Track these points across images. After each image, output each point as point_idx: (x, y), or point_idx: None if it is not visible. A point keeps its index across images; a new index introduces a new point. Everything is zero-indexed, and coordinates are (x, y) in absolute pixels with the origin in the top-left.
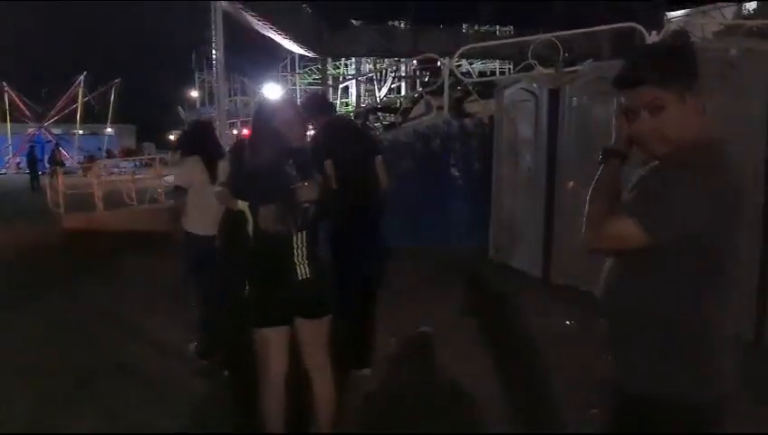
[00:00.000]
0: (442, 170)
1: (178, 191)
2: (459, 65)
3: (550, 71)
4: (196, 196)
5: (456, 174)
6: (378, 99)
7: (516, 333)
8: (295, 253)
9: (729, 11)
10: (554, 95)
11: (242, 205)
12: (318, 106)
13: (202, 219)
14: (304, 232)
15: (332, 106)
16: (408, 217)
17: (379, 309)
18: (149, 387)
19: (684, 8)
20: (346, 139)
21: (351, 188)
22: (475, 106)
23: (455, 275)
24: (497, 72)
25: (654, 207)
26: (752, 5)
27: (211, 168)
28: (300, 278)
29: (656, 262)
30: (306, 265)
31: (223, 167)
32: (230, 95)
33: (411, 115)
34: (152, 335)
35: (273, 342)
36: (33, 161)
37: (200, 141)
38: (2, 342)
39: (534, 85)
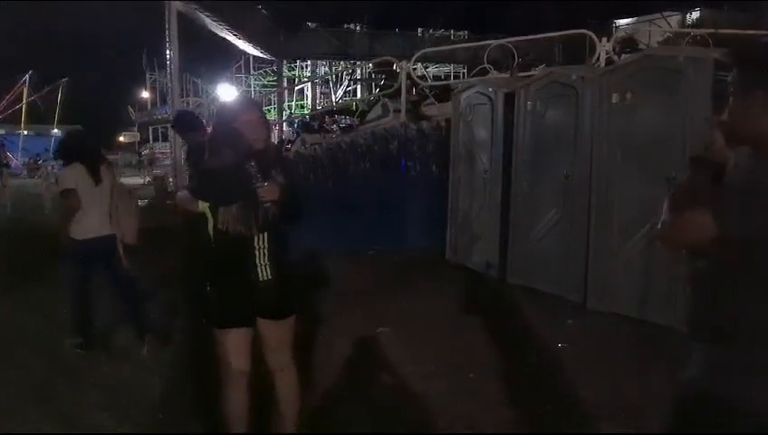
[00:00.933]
0: (399, 173)
1: (69, 195)
2: (415, 69)
3: (504, 75)
4: (82, 199)
5: (414, 176)
6: (334, 101)
7: (472, 333)
8: (257, 254)
9: (674, 20)
10: (509, 99)
11: (202, 206)
12: (187, 123)
13: (85, 223)
14: (266, 233)
15: (201, 123)
16: (366, 219)
17: (337, 310)
18: (102, 390)
19: (632, 16)
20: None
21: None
22: (431, 109)
23: (412, 277)
24: (452, 77)
25: (727, 199)
26: (695, 15)
27: (93, 171)
28: (261, 279)
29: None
30: (268, 267)
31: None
32: (183, 96)
33: (368, 118)
34: (102, 338)
35: (234, 343)
36: None
37: (79, 150)
38: None
39: (490, 89)
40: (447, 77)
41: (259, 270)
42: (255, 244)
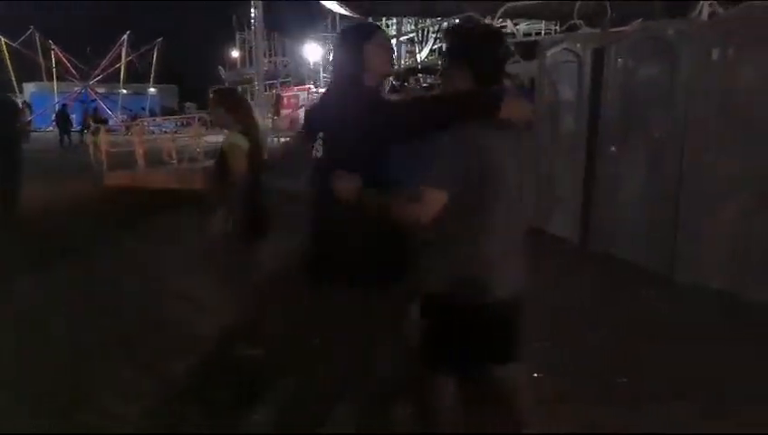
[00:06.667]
0: None
1: None
2: (504, 26)
3: (595, 31)
4: None
5: None
6: (419, 60)
7: (547, 301)
8: None
9: None
10: (599, 56)
11: None
12: None
13: None
14: None
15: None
16: None
17: None
18: (187, 343)
19: None
20: None
21: None
22: (516, 67)
23: None
24: (543, 34)
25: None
26: None
27: None
28: None
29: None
30: None
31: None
32: (270, 55)
33: None
34: (190, 293)
35: None
36: (63, 119)
37: None
38: (42, 297)
39: (578, 45)
40: (538, 34)
41: None
42: None
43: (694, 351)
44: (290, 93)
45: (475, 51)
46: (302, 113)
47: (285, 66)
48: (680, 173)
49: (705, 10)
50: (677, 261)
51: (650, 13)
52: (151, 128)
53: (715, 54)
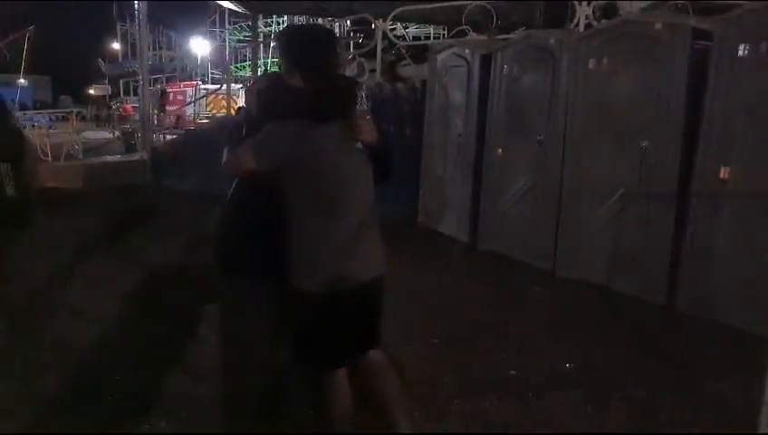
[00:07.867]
0: None
1: None
2: (394, 29)
3: (483, 37)
4: None
5: (386, 138)
6: None
7: (438, 298)
8: None
9: None
10: (486, 62)
11: None
12: None
13: None
14: None
15: None
16: None
17: None
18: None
19: None
20: None
21: None
22: (407, 70)
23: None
24: (432, 38)
25: None
26: None
27: None
28: None
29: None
30: None
31: None
32: (155, 49)
33: None
34: (66, 298)
35: None
36: None
37: None
38: None
39: (467, 51)
40: (428, 38)
41: None
42: None
43: (576, 343)
44: (176, 89)
45: (301, 53)
46: (188, 110)
47: (171, 61)
48: (561, 174)
49: (582, 21)
50: (559, 258)
51: (534, 22)
52: (22, 122)
53: (591, 64)
